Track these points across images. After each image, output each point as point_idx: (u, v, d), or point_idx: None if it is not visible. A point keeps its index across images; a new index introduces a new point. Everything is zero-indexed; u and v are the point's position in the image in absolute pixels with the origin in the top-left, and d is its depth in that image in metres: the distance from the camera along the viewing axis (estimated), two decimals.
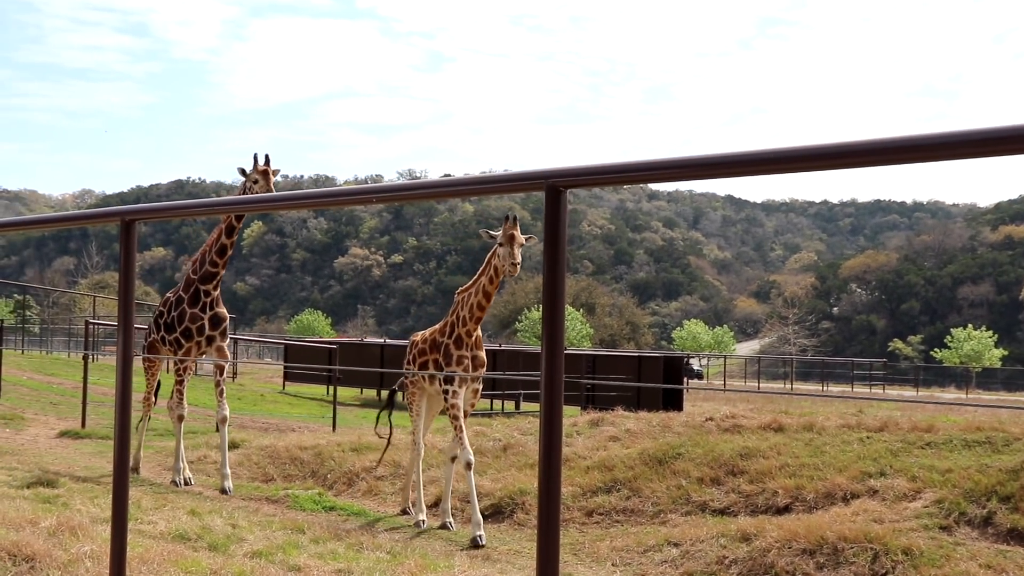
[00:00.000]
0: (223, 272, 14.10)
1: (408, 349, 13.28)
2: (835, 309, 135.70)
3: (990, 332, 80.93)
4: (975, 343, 78.10)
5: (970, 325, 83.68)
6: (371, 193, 4.38)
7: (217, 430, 14.65)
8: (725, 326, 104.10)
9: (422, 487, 12.86)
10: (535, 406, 28.25)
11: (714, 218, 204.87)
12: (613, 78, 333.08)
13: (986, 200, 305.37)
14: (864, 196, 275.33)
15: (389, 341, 42.03)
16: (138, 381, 12.79)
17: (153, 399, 15.45)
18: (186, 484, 13.88)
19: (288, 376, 34.40)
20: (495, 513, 13.49)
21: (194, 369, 14.87)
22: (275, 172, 13.23)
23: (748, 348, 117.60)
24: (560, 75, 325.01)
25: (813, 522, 10.97)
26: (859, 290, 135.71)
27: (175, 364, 14.40)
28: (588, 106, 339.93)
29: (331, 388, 27.68)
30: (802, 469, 13.49)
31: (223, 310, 14.25)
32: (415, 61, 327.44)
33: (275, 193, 7.80)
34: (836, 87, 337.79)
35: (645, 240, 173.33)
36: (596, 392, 28.44)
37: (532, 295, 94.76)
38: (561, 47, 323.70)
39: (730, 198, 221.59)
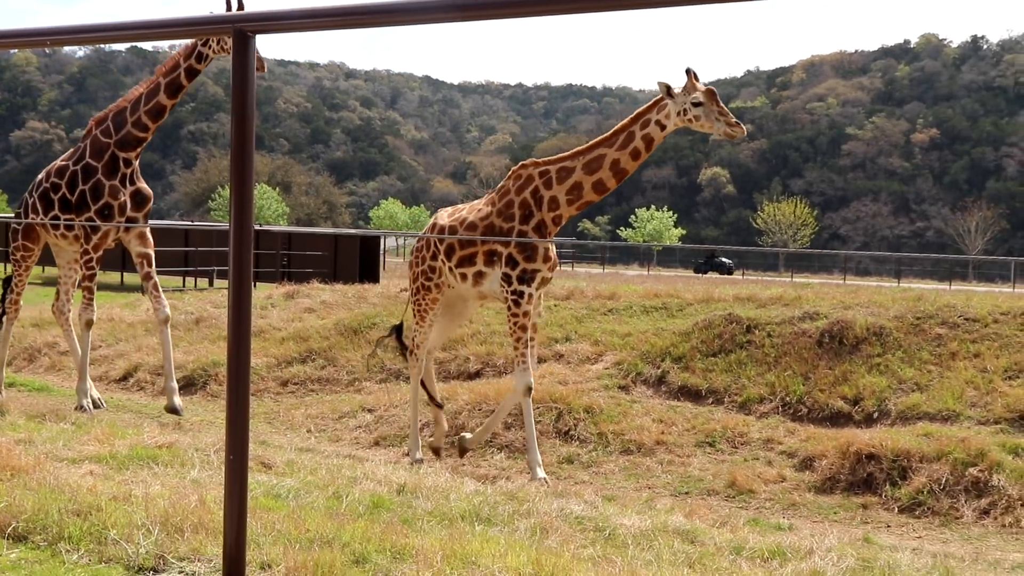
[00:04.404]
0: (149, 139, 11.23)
1: (429, 238, 9.57)
2: None
3: (671, 212, 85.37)
4: (656, 223, 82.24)
5: (653, 206, 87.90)
6: (45, 35, 4.14)
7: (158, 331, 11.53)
8: (422, 206, 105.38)
9: (417, 417, 10.24)
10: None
11: (411, 98, 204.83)
12: None
13: None
14: (557, 80, 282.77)
15: None
16: None
17: (19, 299, 12.49)
18: (95, 408, 11.15)
19: None
20: (188, 385, 13.35)
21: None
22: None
23: None
24: None
25: (502, 386, 11.45)
26: None
27: (86, 255, 11.00)
28: None
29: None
30: (493, 336, 14.00)
31: (146, 186, 11.41)
32: None
33: None
34: None
35: (342, 119, 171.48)
36: (292, 268, 28.27)
37: (227, 173, 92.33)
38: None
39: (427, 79, 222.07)
